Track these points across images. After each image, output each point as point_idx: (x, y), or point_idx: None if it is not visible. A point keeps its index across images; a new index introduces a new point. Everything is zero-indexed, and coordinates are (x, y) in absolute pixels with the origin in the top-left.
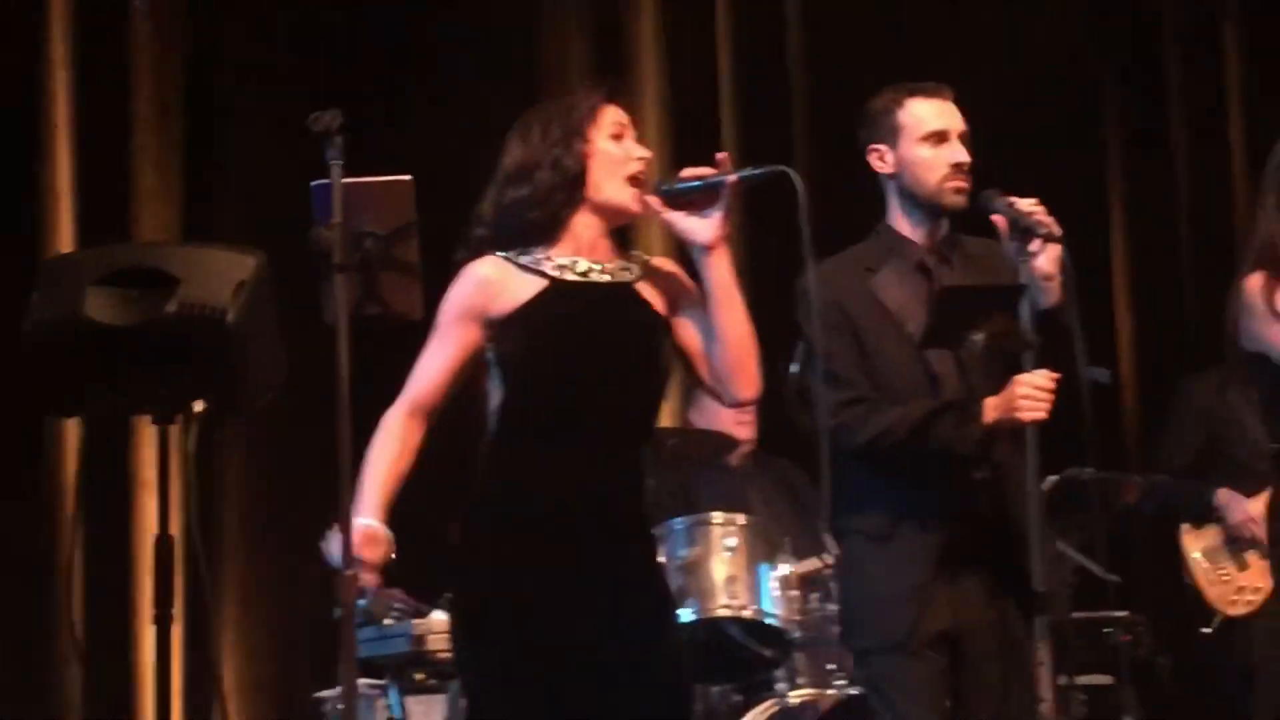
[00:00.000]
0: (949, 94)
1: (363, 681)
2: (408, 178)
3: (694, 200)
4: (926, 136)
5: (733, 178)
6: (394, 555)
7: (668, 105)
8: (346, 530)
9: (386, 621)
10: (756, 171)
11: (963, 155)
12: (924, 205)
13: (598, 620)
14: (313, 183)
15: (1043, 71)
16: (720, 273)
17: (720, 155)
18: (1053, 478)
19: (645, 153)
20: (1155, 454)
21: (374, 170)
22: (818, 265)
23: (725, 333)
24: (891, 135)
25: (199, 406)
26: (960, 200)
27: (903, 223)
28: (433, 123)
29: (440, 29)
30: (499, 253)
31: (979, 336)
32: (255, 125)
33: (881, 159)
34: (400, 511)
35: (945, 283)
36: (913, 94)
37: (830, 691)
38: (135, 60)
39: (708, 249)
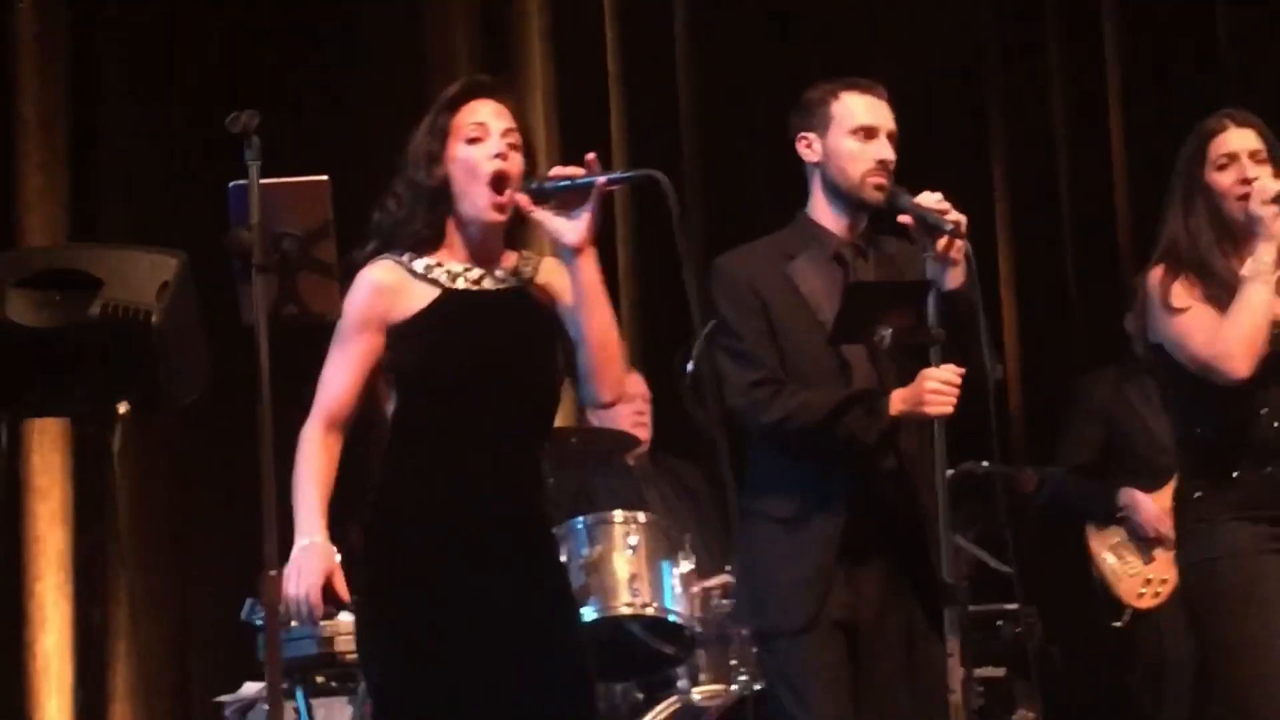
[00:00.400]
0: (883, 93)
1: (260, 685)
2: (324, 178)
3: (563, 200)
4: (856, 130)
5: (601, 179)
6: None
7: (556, 101)
8: (272, 530)
9: (293, 623)
10: (625, 175)
11: (888, 153)
12: (845, 197)
13: (498, 621)
14: (230, 184)
15: (927, 68)
16: (587, 274)
17: (589, 156)
18: (950, 471)
19: (501, 148)
20: (1056, 452)
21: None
22: (736, 250)
23: (589, 335)
24: (822, 125)
25: (123, 408)
26: (879, 196)
27: (823, 213)
28: (320, 122)
29: (325, 27)
30: (393, 256)
31: (886, 331)
32: (139, 128)
33: (809, 147)
34: None
35: (853, 279)
36: (849, 88)
37: (733, 688)
38: (20, 64)
39: (574, 250)
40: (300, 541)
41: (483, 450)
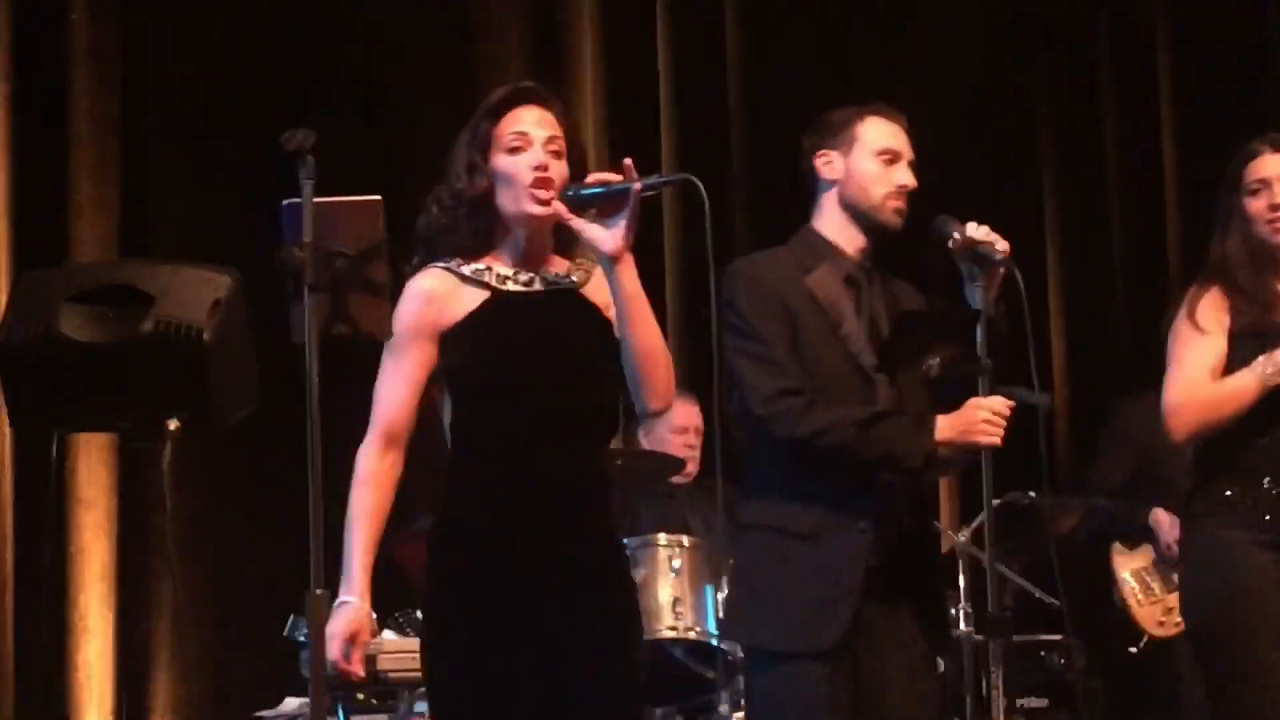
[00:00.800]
0: (905, 121)
1: (301, 701)
2: (377, 198)
3: (600, 207)
4: (881, 152)
5: (638, 185)
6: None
7: (608, 103)
8: (318, 548)
9: None
10: (662, 179)
11: (910, 179)
12: (862, 217)
13: (560, 636)
14: (283, 202)
15: (978, 86)
16: (627, 283)
17: (626, 161)
18: (995, 501)
19: (542, 158)
20: (1089, 474)
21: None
22: (755, 256)
23: (633, 344)
24: (845, 144)
25: (173, 424)
26: (897, 221)
27: (835, 232)
28: (372, 129)
29: (377, 35)
30: (441, 264)
31: (935, 360)
32: (191, 141)
33: (829, 164)
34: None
35: (904, 308)
36: (875, 113)
37: None
38: (72, 76)
39: (612, 258)
40: (342, 599)
41: (541, 456)
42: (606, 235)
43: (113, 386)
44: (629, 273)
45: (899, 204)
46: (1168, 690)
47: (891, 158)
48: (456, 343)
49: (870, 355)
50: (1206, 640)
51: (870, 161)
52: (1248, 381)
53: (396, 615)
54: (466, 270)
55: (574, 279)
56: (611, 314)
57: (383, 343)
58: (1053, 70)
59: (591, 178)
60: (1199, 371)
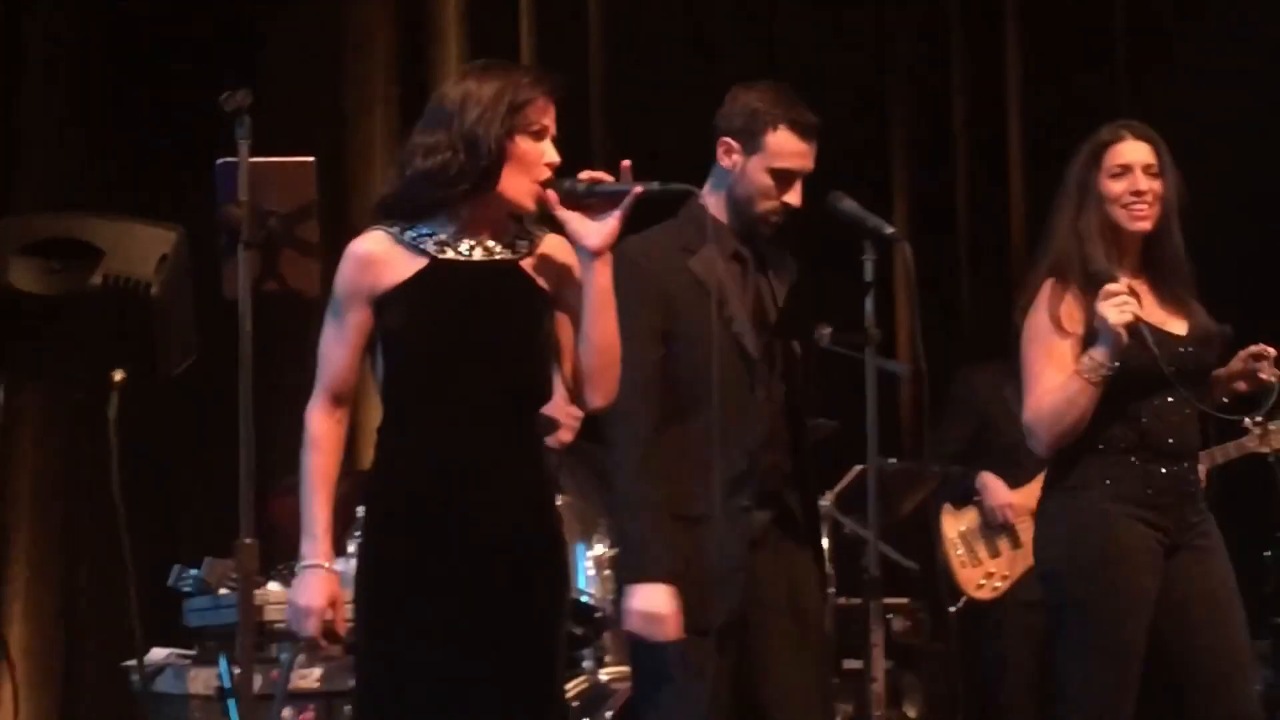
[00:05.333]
0: (815, 136)
1: (173, 651)
2: (310, 159)
3: (591, 204)
4: (779, 170)
5: (637, 189)
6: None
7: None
8: (250, 499)
9: (222, 591)
10: (662, 186)
11: (797, 199)
12: (742, 218)
13: (487, 601)
14: (218, 160)
15: (835, 66)
16: (602, 278)
17: (624, 164)
18: (857, 467)
19: (557, 159)
20: (929, 437)
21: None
22: (634, 240)
23: (593, 337)
24: (750, 145)
25: (119, 375)
26: (769, 231)
27: (721, 213)
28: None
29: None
30: (385, 227)
31: (826, 330)
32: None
33: (728, 154)
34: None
35: (790, 279)
36: (791, 125)
37: None
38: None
39: (595, 254)
40: (305, 562)
41: (469, 421)
42: (593, 231)
43: (60, 338)
44: (606, 270)
45: (778, 219)
46: (993, 653)
47: (788, 178)
48: (391, 308)
49: (752, 336)
50: (1069, 604)
51: (765, 176)
52: (1079, 385)
53: (280, 568)
54: (408, 236)
55: (518, 249)
56: (555, 286)
57: (310, 299)
58: (906, 49)
59: (586, 175)
60: (1050, 385)
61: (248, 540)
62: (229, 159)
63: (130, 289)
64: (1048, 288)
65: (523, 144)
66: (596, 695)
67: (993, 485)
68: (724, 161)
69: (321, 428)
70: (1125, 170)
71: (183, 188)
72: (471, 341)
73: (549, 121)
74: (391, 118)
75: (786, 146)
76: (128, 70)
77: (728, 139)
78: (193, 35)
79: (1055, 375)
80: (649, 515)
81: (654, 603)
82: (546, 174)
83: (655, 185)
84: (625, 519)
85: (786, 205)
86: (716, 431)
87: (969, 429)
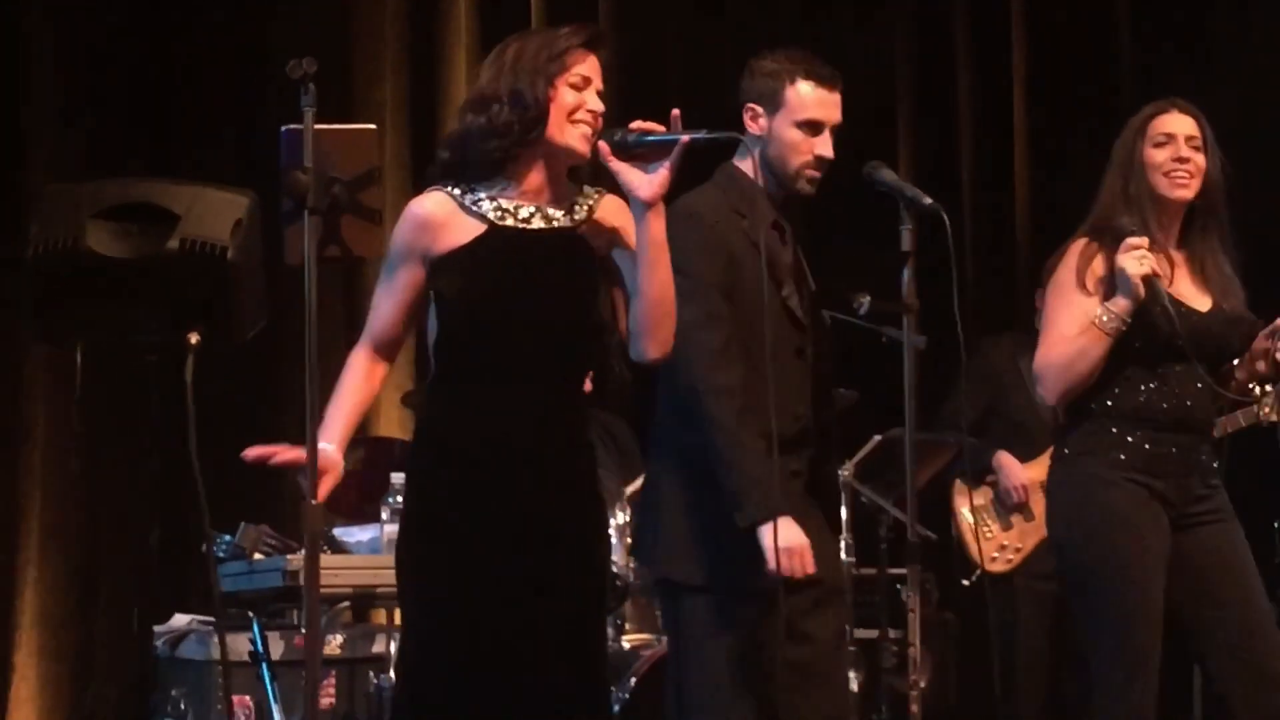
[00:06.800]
0: (839, 85)
1: (194, 618)
2: (372, 126)
3: (641, 154)
4: (803, 122)
5: (685, 138)
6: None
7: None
8: (312, 463)
9: (256, 556)
10: (710, 135)
11: (828, 150)
12: (778, 181)
13: (528, 560)
14: (283, 128)
15: (856, 45)
16: (655, 229)
17: (674, 112)
18: (876, 438)
19: (600, 107)
20: (941, 408)
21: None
22: (691, 197)
23: (648, 290)
24: (772, 104)
25: (194, 338)
26: (810, 190)
27: (759, 176)
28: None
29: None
30: (446, 188)
31: (865, 299)
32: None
33: (755, 120)
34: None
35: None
36: (808, 76)
37: (663, 638)
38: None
39: (646, 204)
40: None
41: (518, 388)
42: (645, 181)
43: (136, 300)
44: (659, 220)
45: (814, 174)
46: (1005, 624)
47: (815, 128)
48: (445, 272)
49: (797, 299)
50: (1081, 572)
51: (792, 130)
52: (1093, 335)
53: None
54: (468, 200)
55: (576, 213)
56: (614, 250)
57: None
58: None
59: (636, 125)
60: (1066, 334)
61: (313, 503)
62: (294, 126)
63: (207, 253)
64: (1079, 245)
65: (565, 93)
66: (619, 663)
67: (1008, 465)
68: (752, 128)
69: (359, 361)
70: (1169, 139)
71: (193, 170)
72: (524, 310)
73: (589, 72)
74: (401, 88)
75: (808, 97)
76: (136, 53)
77: (752, 105)
78: (200, 20)
79: (1071, 326)
80: (756, 457)
81: (794, 536)
82: (588, 119)
83: (703, 133)
84: (738, 463)
85: (820, 159)
86: (773, 396)
87: (982, 399)
